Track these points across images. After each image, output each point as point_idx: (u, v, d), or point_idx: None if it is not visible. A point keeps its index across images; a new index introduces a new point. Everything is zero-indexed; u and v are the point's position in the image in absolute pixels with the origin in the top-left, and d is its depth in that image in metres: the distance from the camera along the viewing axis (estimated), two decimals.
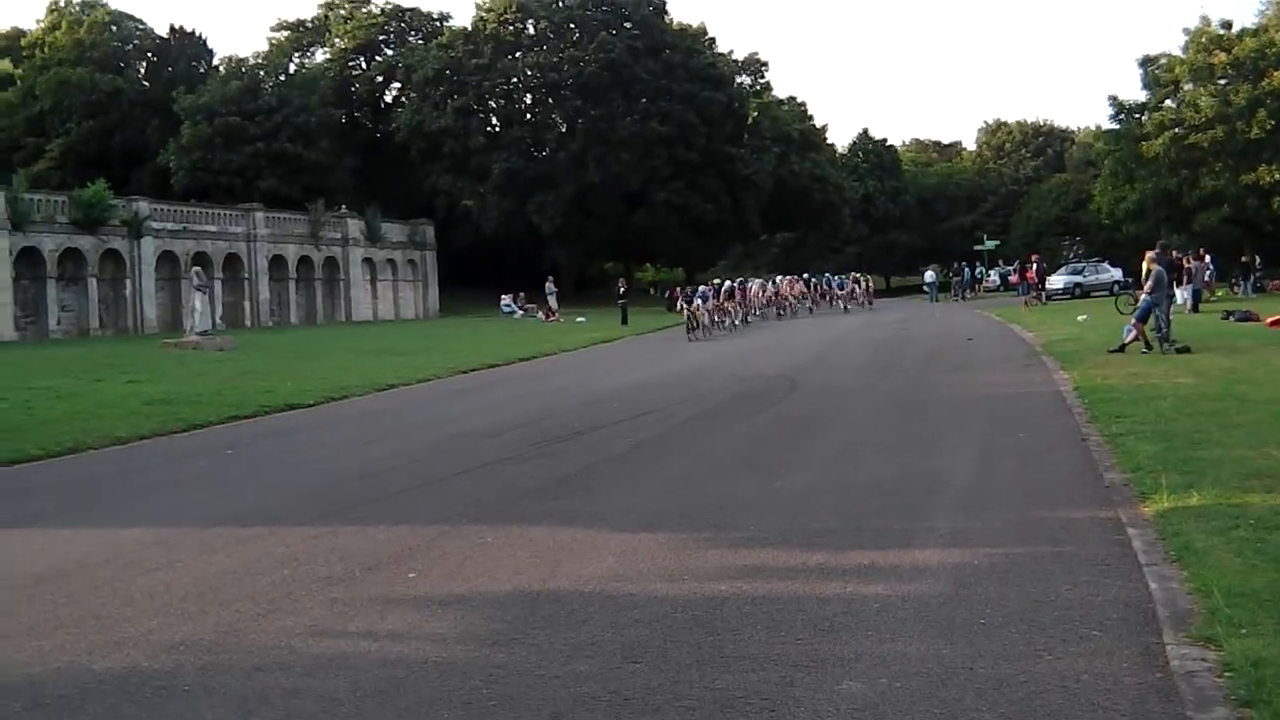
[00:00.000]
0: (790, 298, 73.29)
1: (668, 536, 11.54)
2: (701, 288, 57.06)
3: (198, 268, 63.40)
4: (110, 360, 41.79)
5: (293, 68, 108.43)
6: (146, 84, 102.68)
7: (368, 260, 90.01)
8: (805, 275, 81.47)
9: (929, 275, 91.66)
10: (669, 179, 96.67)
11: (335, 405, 25.87)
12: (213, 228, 77.54)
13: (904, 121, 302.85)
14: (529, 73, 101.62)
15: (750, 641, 8.06)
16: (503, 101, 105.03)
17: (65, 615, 9.48)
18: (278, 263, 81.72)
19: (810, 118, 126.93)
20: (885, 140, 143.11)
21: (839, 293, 77.20)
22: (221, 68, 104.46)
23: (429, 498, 14.58)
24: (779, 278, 77.39)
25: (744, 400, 24.58)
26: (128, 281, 71.12)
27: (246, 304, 78.36)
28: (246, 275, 78.86)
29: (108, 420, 23.71)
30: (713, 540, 11.32)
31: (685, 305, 52.27)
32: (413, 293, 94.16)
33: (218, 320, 59.81)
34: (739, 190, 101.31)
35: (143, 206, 72.74)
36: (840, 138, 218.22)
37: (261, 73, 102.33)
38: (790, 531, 11.54)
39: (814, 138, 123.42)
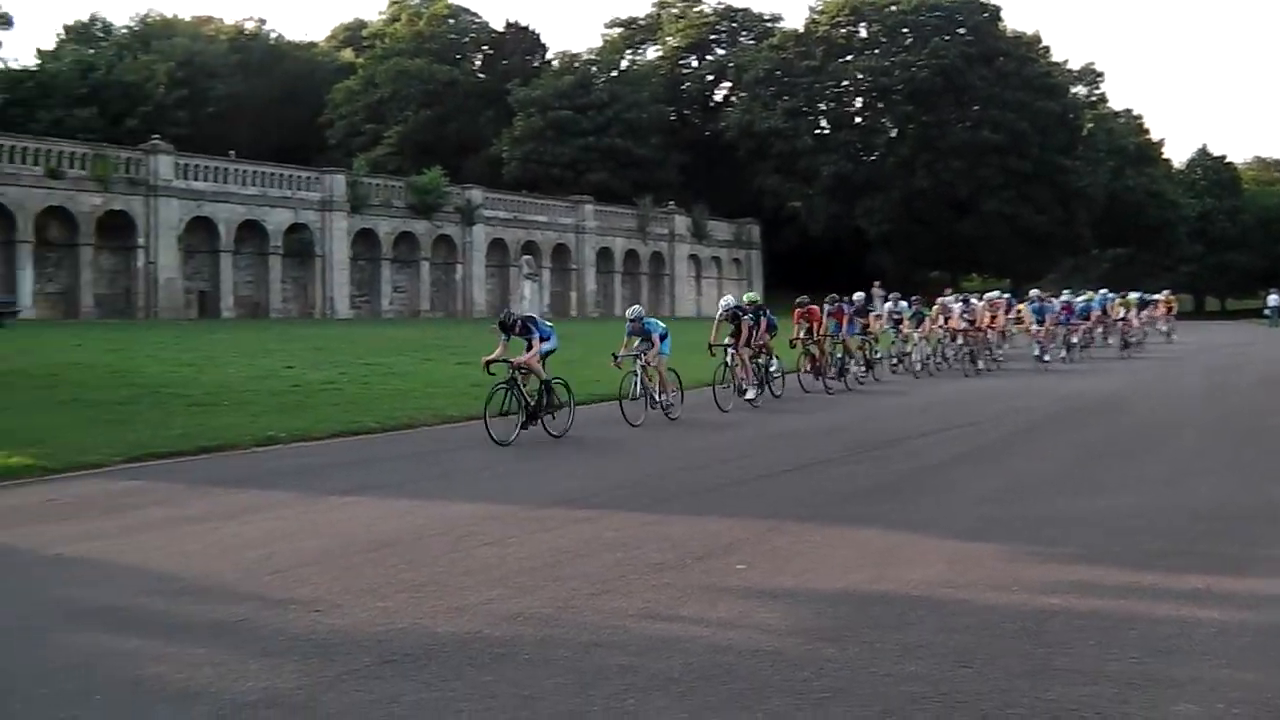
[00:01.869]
0: (985, 331, 38.28)
1: (995, 547, 11.34)
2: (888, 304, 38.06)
3: (528, 256, 64.27)
4: (439, 341, 42.42)
5: (624, 64, 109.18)
6: (482, 76, 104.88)
7: (693, 257, 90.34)
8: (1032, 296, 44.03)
9: (1272, 299, 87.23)
10: (999, 188, 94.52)
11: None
12: (543, 218, 78.80)
13: (1245, 138, 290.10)
14: (860, 76, 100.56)
15: (1081, 656, 7.77)
16: (832, 104, 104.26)
17: (407, 580, 9.86)
18: (604, 255, 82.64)
19: (1146, 131, 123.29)
20: (1224, 157, 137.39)
21: (1099, 324, 46.76)
22: (555, 62, 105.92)
23: (754, 493, 14.60)
24: (973, 300, 41.56)
25: (1059, 420, 23.61)
26: (458, 266, 72.80)
27: (573, 294, 79.28)
28: (574, 266, 79.82)
29: (439, 399, 24.21)
30: (1040, 554, 11.01)
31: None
32: (736, 290, 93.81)
33: (545, 308, 60.24)
34: (1070, 202, 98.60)
35: (476, 194, 74.30)
36: (1177, 153, 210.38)
37: (594, 68, 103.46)
38: (1119, 550, 11.14)
39: (1150, 152, 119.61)
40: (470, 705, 6.88)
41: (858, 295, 33.88)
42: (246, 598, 9.36)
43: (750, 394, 24.74)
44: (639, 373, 22.03)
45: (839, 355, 30.31)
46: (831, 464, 17.01)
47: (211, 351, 34.10)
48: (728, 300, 26.37)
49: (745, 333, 24.85)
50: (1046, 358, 38.33)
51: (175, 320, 55.10)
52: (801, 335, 29.09)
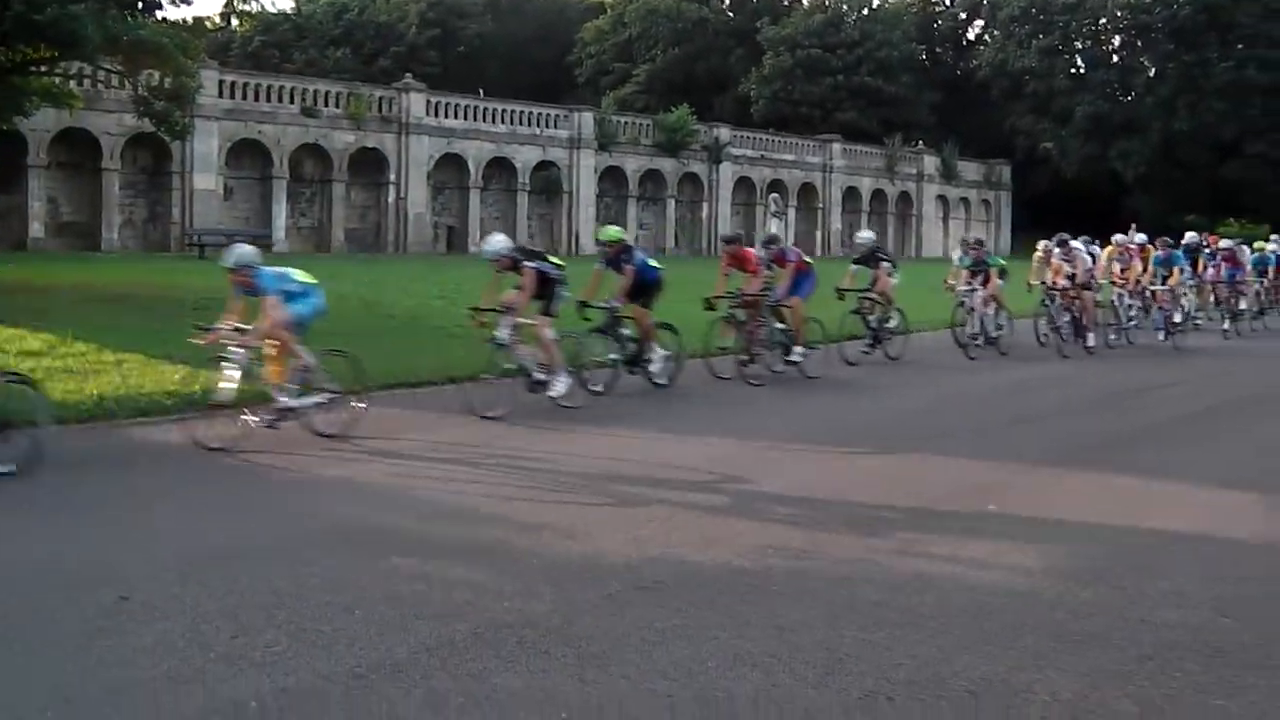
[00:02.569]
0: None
1: (1257, 497, 11.11)
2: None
3: (775, 195, 63.67)
4: (683, 278, 42.21)
5: (875, 2, 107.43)
6: (731, 15, 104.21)
7: (941, 197, 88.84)
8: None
9: None
10: (1266, 130, 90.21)
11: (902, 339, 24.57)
12: (790, 157, 78.19)
13: None
14: (1119, 14, 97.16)
15: None
16: (1089, 42, 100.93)
17: (655, 511, 10.13)
18: (851, 194, 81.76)
19: None
20: None
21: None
22: (805, 1, 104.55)
23: (997, 439, 14.47)
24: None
25: None
26: (704, 205, 72.55)
27: (818, 233, 78.41)
28: (820, 205, 79.05)
29: (694, 336, 23.76)
30: None
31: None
32: (985, 233, 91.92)
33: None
34: None
35: (723, 133, 74.02)
36: None
37: (845, 6, 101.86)
38: None
39: None
40: (723, 633, 6.99)
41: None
42: (501, 522, 9.66)
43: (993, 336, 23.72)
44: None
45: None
46: (1078, 414, 16.71)
47: (461, 286, 34.35)
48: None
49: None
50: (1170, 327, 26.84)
51: (424, 255, 55.85)
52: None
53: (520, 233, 63.27)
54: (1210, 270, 31.41)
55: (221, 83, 53.95)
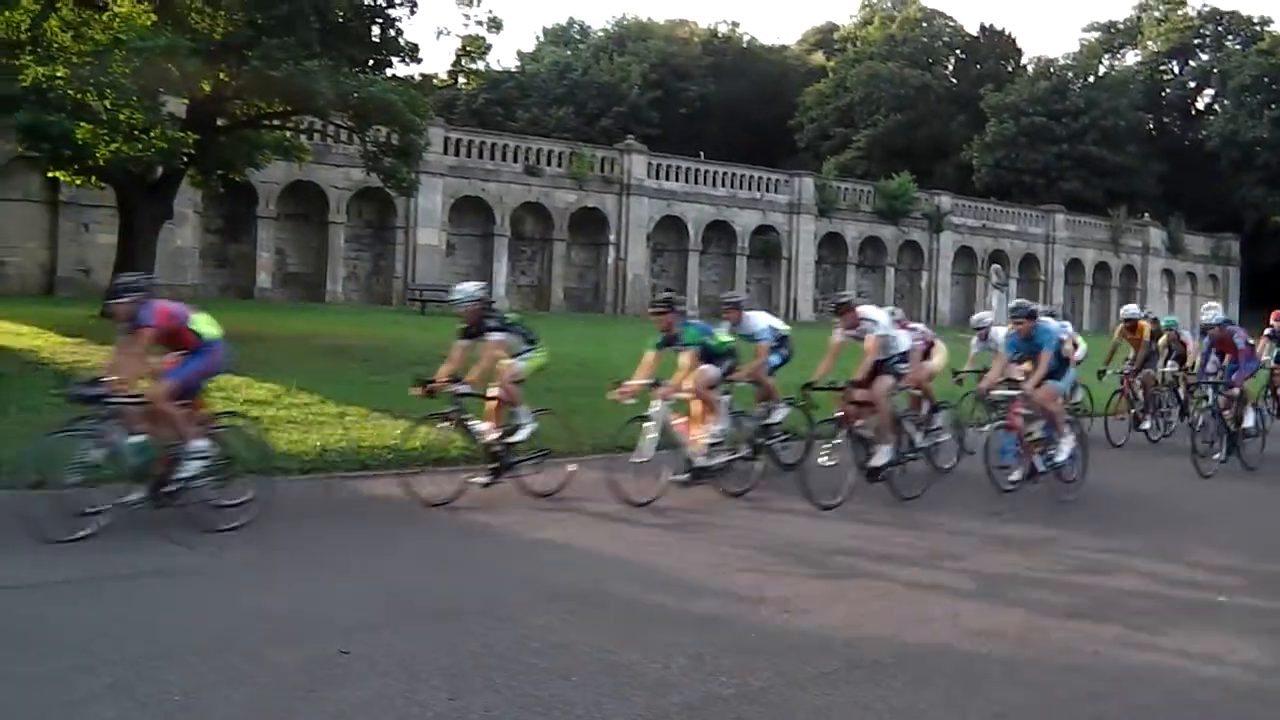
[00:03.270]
0: None
1: None
2: None
3: (997, 265, 62.84)
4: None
5: (1102, 69, 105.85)
6: (954, 81, 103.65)
7: (1167, 271, 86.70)
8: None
9: None
10: None
11: None
12: (1012, 226, 77.20)
13: None
14: None
15: None
16: None
17: (874, 587, 10.21)
18: (1074, 266, 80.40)
19: None
20: None
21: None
22: (1029, 67, 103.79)
23: (1235, 525, 14.19)
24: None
25: None
26: (924, 273, 71.97)
27: (1040, 305, 76.70)
28: (1042, 277, 77.77)
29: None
30: None
31: None
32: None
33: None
34: None
35: (944, 201, 73.43)
36: None
37: (1070, 73, 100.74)
38: None
39: None
40: (939, 714, 7.00)
41: None
42: (717, 592, 9.68)
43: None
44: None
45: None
46: None
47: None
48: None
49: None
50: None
51: (641, 316, 55.99)
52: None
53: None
54: None
55: (447, 140, 54.94)
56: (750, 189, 65.36)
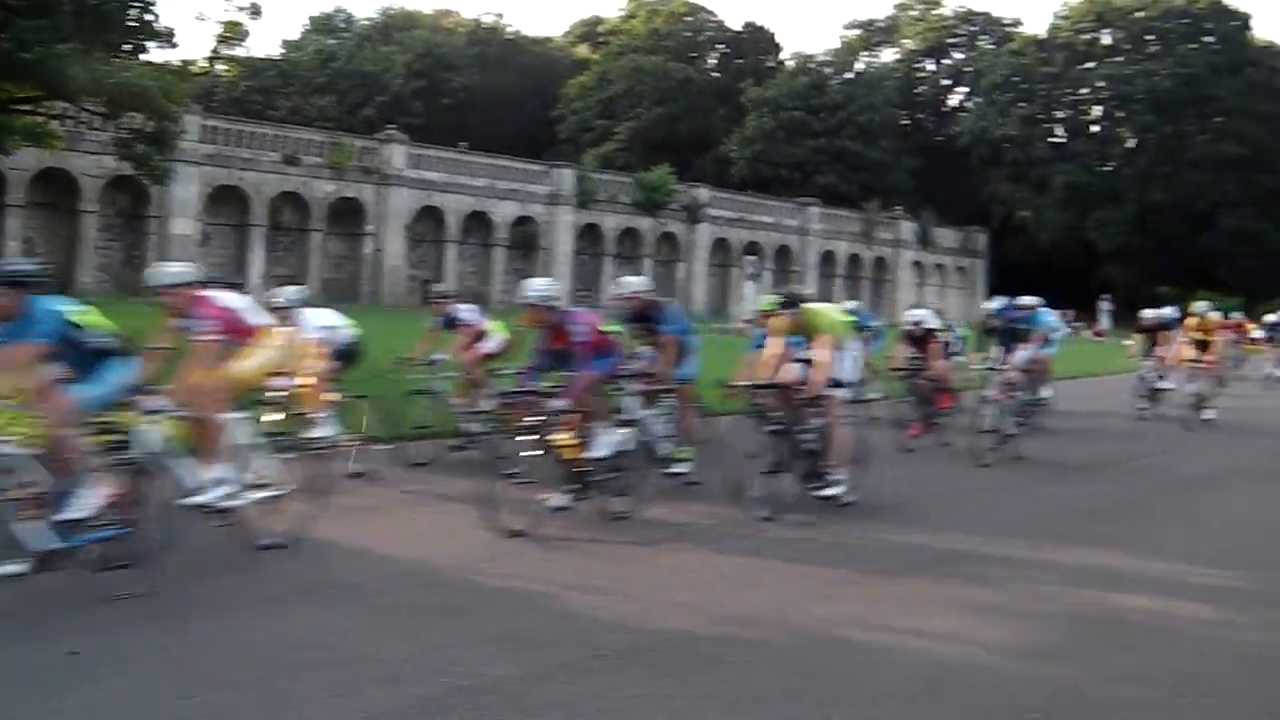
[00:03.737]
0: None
1: (1220, 575, 10.96)
2: None
3: (751, 256, 64.01)
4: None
5: (859, 66, 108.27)
6: (716, 75, 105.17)
7: (917, 264, 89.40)
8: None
9: None
10: (1240, 204, 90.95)
11: None
12: (768, 219, 78.76)
13: None
14: (1100, 84, 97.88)
15: None
16: (1070, 112, 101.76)
17: (611, 576, 9.98)
18: (828, 258, 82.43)
19: None
20: None
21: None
22: (790, 63, 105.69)
23: (966, 509, 14.21)
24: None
25: None
26: (681, 265, 73.03)
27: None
28: (796, 268, 79.39)
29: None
30: (1272, 584, 10.69)
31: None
32: (959, 299, 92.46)
33: None
34: None
35: (702, 193, 74.55)
36: None
37: (828, 69, 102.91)
38: None
39: None
40: (680, 705, 6.93)
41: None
42: (452, 585, 9.50)
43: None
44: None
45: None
46: (1065, 484, 16.46)
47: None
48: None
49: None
50: None
51: (398, 307, 55.85)
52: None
53: (496, 288, 63.45)
54: None
55: (204, 127, 54.09)
56: (510, 180, 65.65)
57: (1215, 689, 7.58)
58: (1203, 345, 24.82)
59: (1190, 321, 25.71)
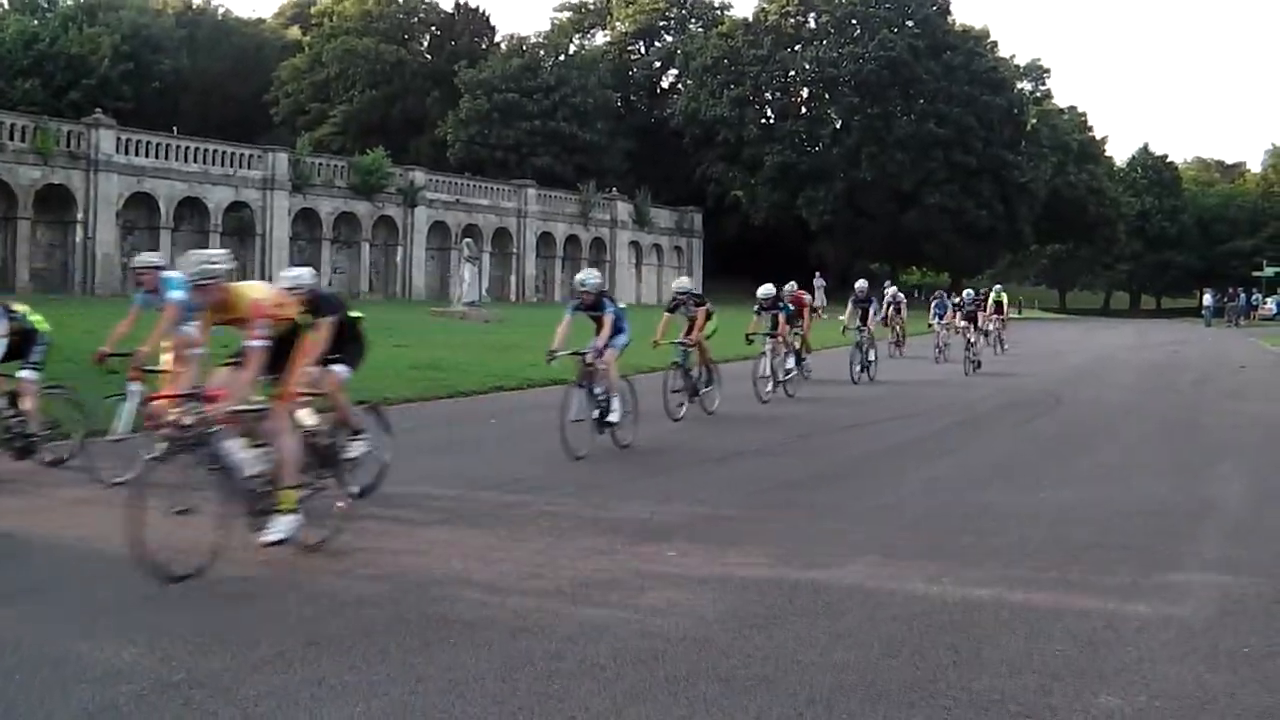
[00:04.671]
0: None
1: (926, 537, 11.55)
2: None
3: (469, 239, 64.62)
4: (379, 324, 42.41)
5: (573, 48, 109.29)
6: (429, 57, 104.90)
7: (634, 244, 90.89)
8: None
9: (1207, 299, 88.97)
10: (943, 182, 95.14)
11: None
12: (485, 201, 79.07)
13: (1186, 139, 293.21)
14: (807, 67, 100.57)
15: (1007, 648, 7.91)
16: (779, 94, 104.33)
17: (333, 559, 10.04)
18: (545, 240, 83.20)
19: (1090, 129, 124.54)
20: (1166, 157, 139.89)
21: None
22: (503, 45, 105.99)
23: (683, 480, 14.62)
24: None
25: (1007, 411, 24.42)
26: (399, 248, 73.05)
27: (513, 278, 79.69)
28: (515, 250, 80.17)
29: (377, 381, 23.67)
30: (972, 546, 11.18)
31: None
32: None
33: (484, 292, 60.64)
34: (1013, 198, 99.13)
35: (419, 176, 74.54)
36: (1119, 151, 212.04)
37: (542, 52, 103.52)
38: (1051, 544, 11.29)
39: (1092, 149, 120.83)
40: (397, 689, 6.95)
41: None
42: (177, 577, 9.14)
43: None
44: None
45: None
46: (772, 453, 17.38)
47: (150, 328, 33.93)
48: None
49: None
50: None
51: (112, 297, 54.98)
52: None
53: None
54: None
55: None
56: (223, 165, 64.63)
57: (924, 647, 7.88)
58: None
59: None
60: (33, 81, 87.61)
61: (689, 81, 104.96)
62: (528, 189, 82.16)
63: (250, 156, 66.46)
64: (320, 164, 70.54)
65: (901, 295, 42.37)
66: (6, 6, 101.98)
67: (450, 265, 71.61)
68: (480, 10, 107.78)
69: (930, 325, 39.89)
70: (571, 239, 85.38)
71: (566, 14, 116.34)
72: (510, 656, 7.55)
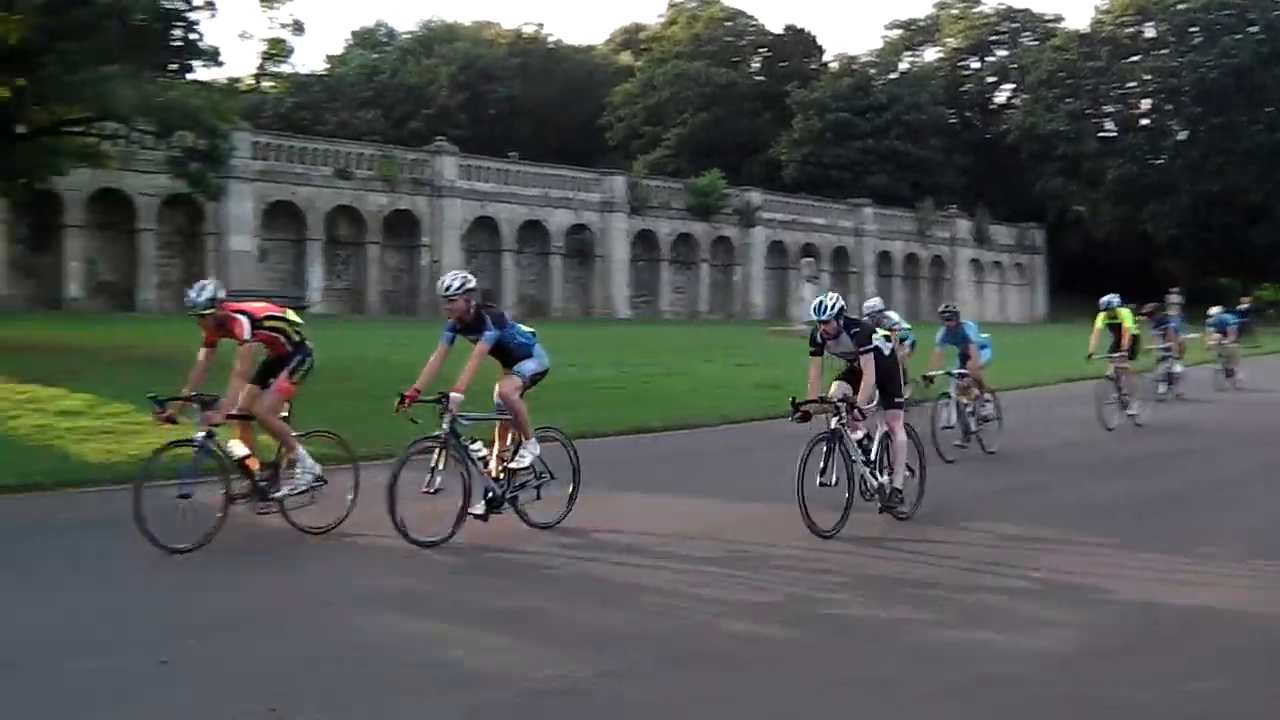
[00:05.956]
0: None
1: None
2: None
3: (808, 259, 63.34)
4: (719, 343, 42.37)
5: (903, 66, 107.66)
6: (760, 78, 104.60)
7: (974, 261, 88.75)
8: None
9: None
10: None
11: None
12: (821, 220, 78.31)
13: None
14: (1146, 77, 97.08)
15: None
16: (1118, 106, 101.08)
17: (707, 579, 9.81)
18: (884, 258, 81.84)
19: None
20: None
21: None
22: (833, 64, 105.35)
23: (1033, 505, 13.90)
24: None
25: None
26: (737, 268, 72.61)
27: (852, 297, 77.83)
28: (853, 269, 79.05)
29: (719, 400, 23.87)
30: None
31: None
32: (1019, 296, 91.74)
33: None
34: None
35: (755, 196, 74.17)
36: None
37: (872, 70, 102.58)
38: None
39: None
40: (747, 701, 6.84)
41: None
42: (542, 584, 9.58)
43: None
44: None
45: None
46: (1132, 477, 16.15)
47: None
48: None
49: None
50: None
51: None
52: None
53: (555, 296, 63.42)
54: None
55: (255, 144, 54.10)
56: (562, 188, 65.47)
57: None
58: None
59: None
60: (374, 112, 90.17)
61: (1024, 96, 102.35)
62: (864, 208, 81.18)
63: (588, 180, 67.02)
64: (656, 186, 70.68)
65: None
66: (350, 41, 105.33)
67: (788, 284, 70.60)
68: (808, 31, 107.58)
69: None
70: (910, 257, 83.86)
71: (896, 31, 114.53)
72: (849, 675, 7.42)
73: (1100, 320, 21.74)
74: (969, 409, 17.72)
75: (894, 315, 19.48)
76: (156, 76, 31.71)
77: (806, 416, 11.89)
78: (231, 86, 35.65)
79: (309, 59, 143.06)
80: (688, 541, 10.96)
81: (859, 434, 12.02)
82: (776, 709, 6.67)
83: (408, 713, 6.60)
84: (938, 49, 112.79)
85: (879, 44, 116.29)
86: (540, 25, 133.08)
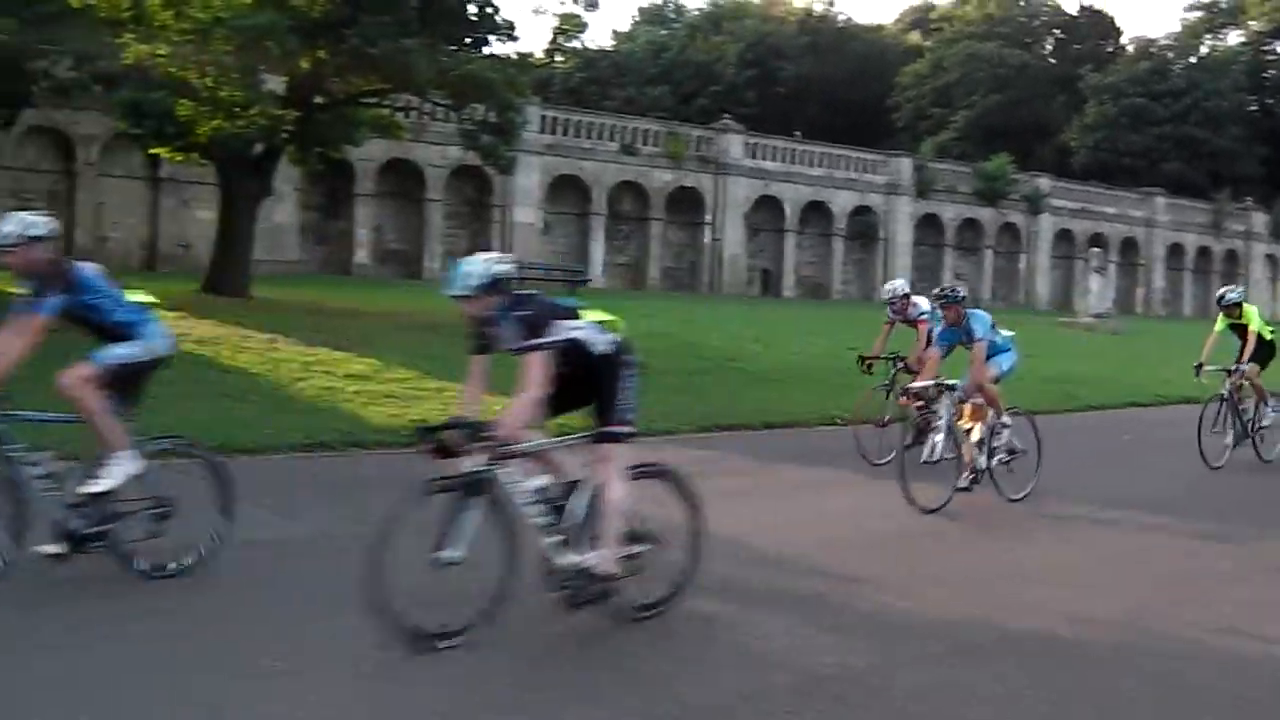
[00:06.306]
0: None
1: None
2: None
3: (1097, 249, 61.91)
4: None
5: (1203, 49, 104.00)
6: (1053, 61, 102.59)
7: (1270, 257, 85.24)
8: None
9: None
10: None
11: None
12: (1111, 209, 76.36)
13: None
14: None
15: None
16: None
17: (972, 570, 10.05)
18: (1174, 251, 79.47)
19: None
20: None
21: None
22: (1129, 47, 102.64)
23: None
24: None
25: None
26: (1022, 256, 71.38)
27: (1139, 290, 76.35)
28: (1141, 261, 76.96)
29: (1012, 392, 23.02)
30: None
31: None
32: None
33: (1110, 304, 57.75)
34: None
35: (1043, 183, 72.79)
36: None
37: (1170, 54, 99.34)
38: None
39: None
40: (1043, 707, 6.85)
41: None
42: (817, 572, 9.62)
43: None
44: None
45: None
46: None
47: (775, 329, 34.32)
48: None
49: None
50: None
51: (738, 296, 55.75)
52: None
53: (835, 278, 63.24)
54: None
55: (543, 118, 54.96)
56: (847, 169, 65.05)
57: None
58: None
59: None
60: (661, 88, 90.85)
61: None
62: (1156, 197, 78.75)
63: (873, 162, 66.54)
64: (943, 169, 69.85)
65: None
66: (638, 18, 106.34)
67: (1074, 274, 69.13)
68: (1105, 12, 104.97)
69: None
70: (1202, 250, 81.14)
71: (1197, 14, 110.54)
72: (1160, 684, 7.36)
73: (1220, 322, 17.66)
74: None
75: (923, 302, 16.19)
76: (453, 50, 32.56)
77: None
78: (525, 61, 36.24)
79: (597, 35, 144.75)
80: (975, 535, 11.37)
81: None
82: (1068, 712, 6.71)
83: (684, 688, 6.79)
84: (1240, 32, 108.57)
85: (1178, 26, 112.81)
86: (830, 3, 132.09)
